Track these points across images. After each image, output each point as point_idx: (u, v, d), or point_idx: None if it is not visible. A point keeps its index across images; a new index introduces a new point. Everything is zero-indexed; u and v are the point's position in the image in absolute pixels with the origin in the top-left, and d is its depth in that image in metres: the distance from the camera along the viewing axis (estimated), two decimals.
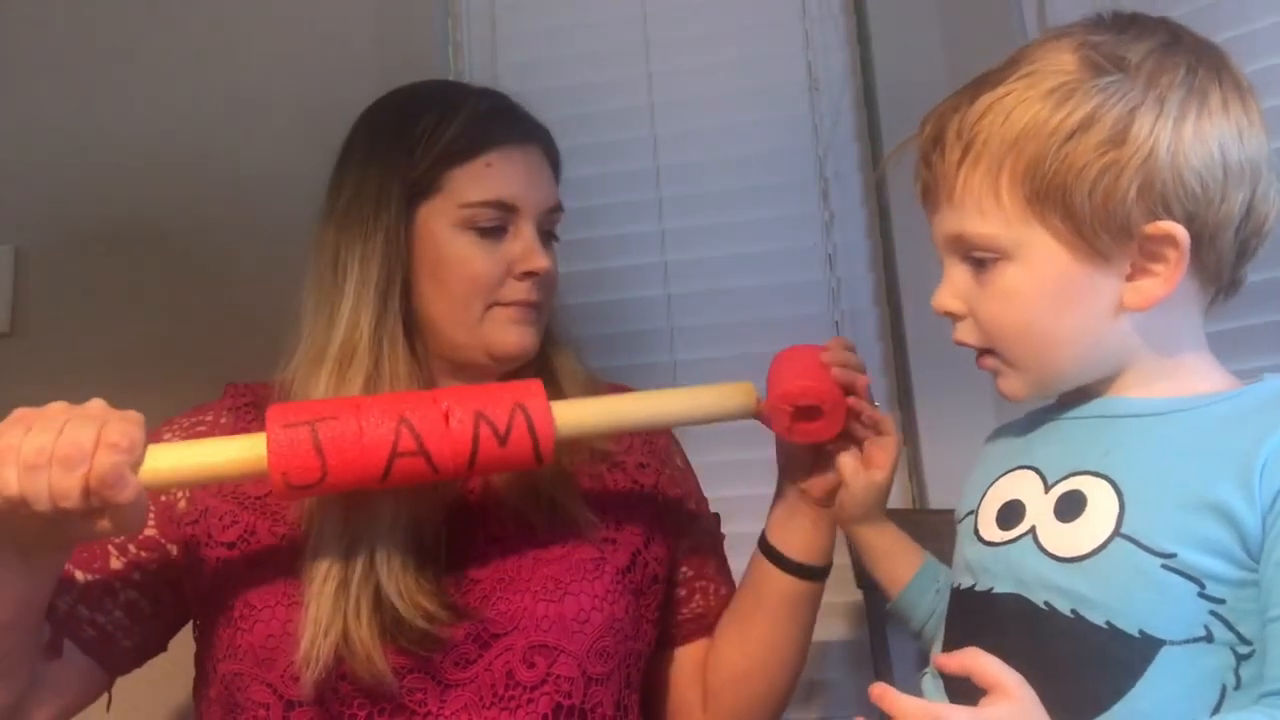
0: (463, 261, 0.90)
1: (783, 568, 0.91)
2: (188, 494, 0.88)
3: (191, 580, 0.87)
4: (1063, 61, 0.65)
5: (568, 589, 0.86)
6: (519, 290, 0.91)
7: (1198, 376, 0.67)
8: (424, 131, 0.91)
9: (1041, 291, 0.66)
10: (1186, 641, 0.59)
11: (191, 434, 0.91)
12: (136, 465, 0.69)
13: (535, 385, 0.80)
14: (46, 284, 1.46)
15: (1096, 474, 0.64)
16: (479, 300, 0.90)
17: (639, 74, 1.43)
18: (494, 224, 0.91)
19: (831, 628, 1.23)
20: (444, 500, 0.88)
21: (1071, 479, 0.66)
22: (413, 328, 0.91)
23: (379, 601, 0.80)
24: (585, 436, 0.86)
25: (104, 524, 0.69)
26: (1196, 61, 0.65)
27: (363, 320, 0.87)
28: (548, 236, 0.96)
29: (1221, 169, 0.63)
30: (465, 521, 0.89)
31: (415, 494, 0.83)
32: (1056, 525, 0.64)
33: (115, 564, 0.85)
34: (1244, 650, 0.59)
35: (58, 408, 0.70)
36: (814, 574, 0.92)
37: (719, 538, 1.03)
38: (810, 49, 1.40)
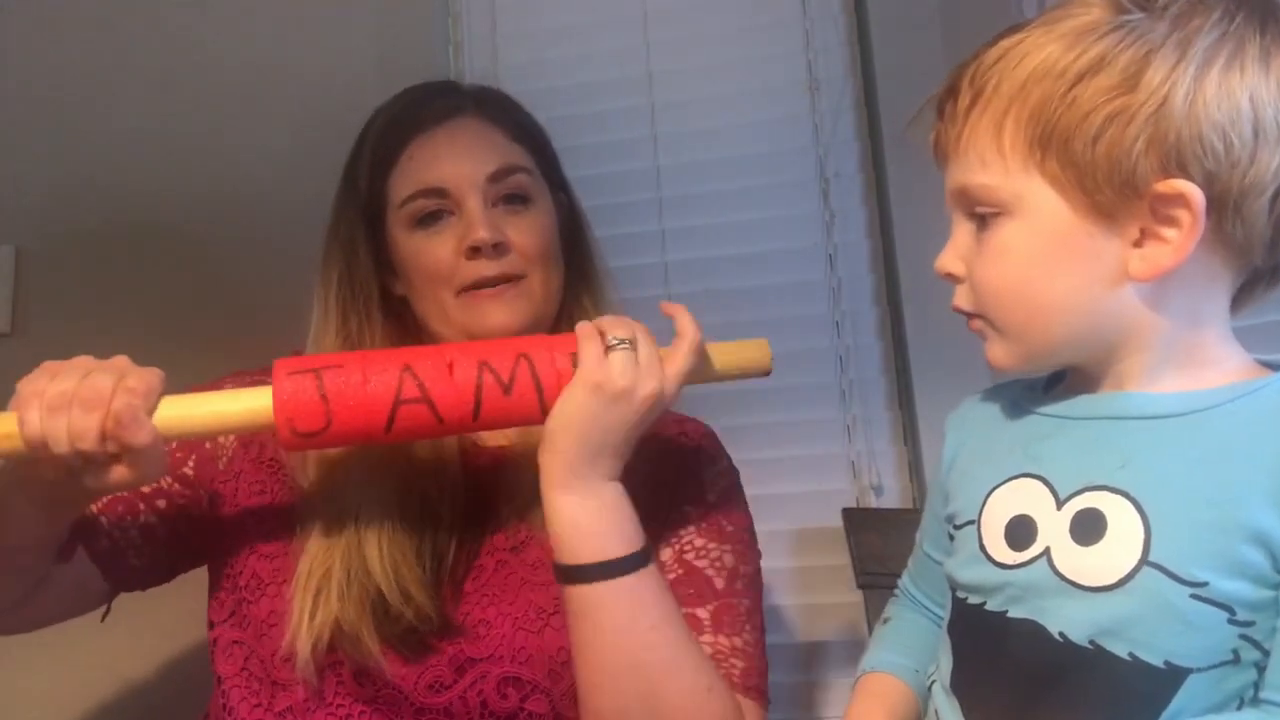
0: (414, 257, 0.90)
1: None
2: (228, 455, 0.90)
3: (214, 532, 0.89)
4: (1088, 4, 0.60)
5: (549, 621, 0.83)
6: (474, 269, 0.88)
7: (1213, 366, 0.61)
8: (362, 154, 0.93)
9: (1036, 249, 0.60)
10: (1213, 667, 0.56)
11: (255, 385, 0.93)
12: (151, 411, 0.72)
13: (541, 339, 0.80)
14: (46, 284, 1.46)
15: (1114, 490, 0.58)
16: (442, 289, 0.90)
17: (639, 74, 1.43)
18: (430, 211, 0.90)
19: (831, 628, 1.23)
20: (457, 502, 0.86)
21: (1087, 494, 0.59)
22: (426, 337, 0.92)
23: (367, 581, 0.80)
24: None
25: (120, 470, 0.71)
26: (1236, 6, 0.58)
27: (324, 348, 0.89)
28: (513, 200, 0.91)
29: (1251, 126, 0.56)
30: (477, 529, 0.88)
31: (424, 481, 0.84)
32: (1075, 549, 0.58)
33: (146, 486, 0.87)
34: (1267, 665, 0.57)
35: (82, 360, 0.73)
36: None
37: (744, 592, 0.88)
38: (810, 49, 1.40)
